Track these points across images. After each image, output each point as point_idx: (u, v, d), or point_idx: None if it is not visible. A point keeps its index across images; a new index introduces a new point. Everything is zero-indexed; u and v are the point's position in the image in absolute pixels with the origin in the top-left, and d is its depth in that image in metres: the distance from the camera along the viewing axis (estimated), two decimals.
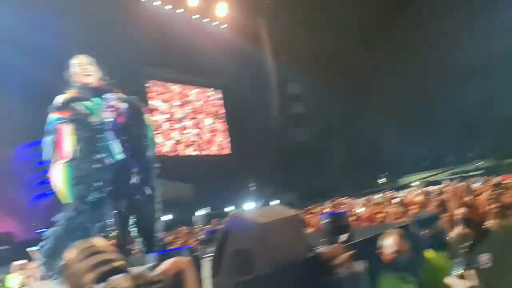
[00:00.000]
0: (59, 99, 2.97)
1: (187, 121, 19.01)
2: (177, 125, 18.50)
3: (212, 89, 20.36)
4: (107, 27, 12.62)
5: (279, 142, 18.48)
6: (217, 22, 18.90)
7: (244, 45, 18.18)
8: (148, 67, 16.53)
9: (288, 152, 18.31)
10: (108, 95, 2.99)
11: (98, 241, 0.74)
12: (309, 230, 5.51)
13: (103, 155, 2.87)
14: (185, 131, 18.75)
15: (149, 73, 17.03)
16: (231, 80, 18.56)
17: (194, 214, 13.41)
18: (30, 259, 7.60)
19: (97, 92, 2.97)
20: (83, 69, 2.97)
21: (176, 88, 18.87)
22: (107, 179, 2.88)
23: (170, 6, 17.10)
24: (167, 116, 18.16)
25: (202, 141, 19.41)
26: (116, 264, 0.69)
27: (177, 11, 17.33)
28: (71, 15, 12.91)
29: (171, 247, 5.39)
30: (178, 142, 18.25)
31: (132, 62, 14.12)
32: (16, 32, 12.44)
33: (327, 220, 3.28)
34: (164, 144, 17.17)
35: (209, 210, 14.38)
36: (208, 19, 18.58)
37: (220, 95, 20.59)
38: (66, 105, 2.90)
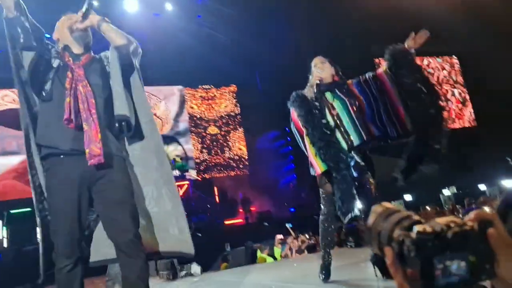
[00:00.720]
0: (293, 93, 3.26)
1: None
2: None
3: (453, 56, 18.53)
4: (333, 9, 12.94)
5: None
6: None
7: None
8: (376, 44, 16.22)
9: None
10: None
11: (388, 204, 0.78)
12: None
13: (321, 127, 2.97)
14: None
15: (377, 50, 16.71)
16: (469, 43, 16.33)
17: (441, 193, 12.42)
18: (287, 233, 8.50)
19: (330, 87, 3.14)
20: (318, 67, 3.18)
21: None
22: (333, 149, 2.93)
23: None
24: None
25: (449, 113, 17.91)
26: (415, 217, 0.72)
27: None
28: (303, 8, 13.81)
29: None
30: None
31: (360, 41, 14.10)
32: (264, 30, 14.08)
33: None
34: None
35: (454, 190, 13.07)
36: None
37: (459, 62, 18.55)
38: (297, 97, 3.19)
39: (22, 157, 8.34)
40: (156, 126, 2.30)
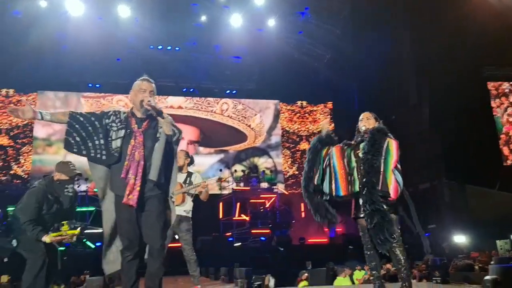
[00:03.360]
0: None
1: None
2: None
3: None
4: (441, 24, 12.18)
5: None
6: None
7: None
8: (488, 67, 14.90)
9: None
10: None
11: None
12: None
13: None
14: None
15: (490, 74, 15.29)
16: None
17: None
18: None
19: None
20: (360, 123, 3.59)
21: None
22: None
23: None
24: None
25: None
26: None
27: None
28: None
29: None
30: None
31: (470, 64, 13.05)
32: (365, 46, 13.77)
33: None
34: None
35: None
36: None
37: None
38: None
39: None
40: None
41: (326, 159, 3.47)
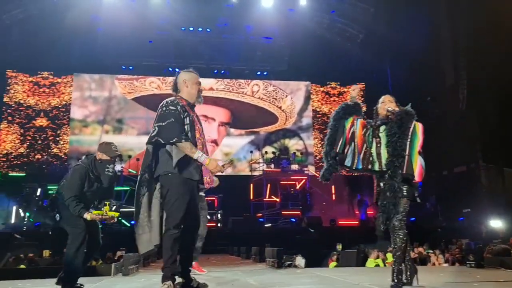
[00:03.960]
0: None
1: None
2: None
3: None
4: (482, 7, 11.62)
5: None
6: None
7: None
8: None
9: None
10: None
11: None
12: None
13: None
14: None
15: None
16: None
17: None
18: None
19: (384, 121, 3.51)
20: (382, 105, 3.54)
21: None
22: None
23: None
24: None
25: None
26: None
27: None
28: None
29: None
30: None
31: (510, 43, 12.41)
32: (400, 25, 13.36)
33: None
34: None
35: None
36: None
37: None
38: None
39: None
40: None
41: (351, 130, 3.40)
